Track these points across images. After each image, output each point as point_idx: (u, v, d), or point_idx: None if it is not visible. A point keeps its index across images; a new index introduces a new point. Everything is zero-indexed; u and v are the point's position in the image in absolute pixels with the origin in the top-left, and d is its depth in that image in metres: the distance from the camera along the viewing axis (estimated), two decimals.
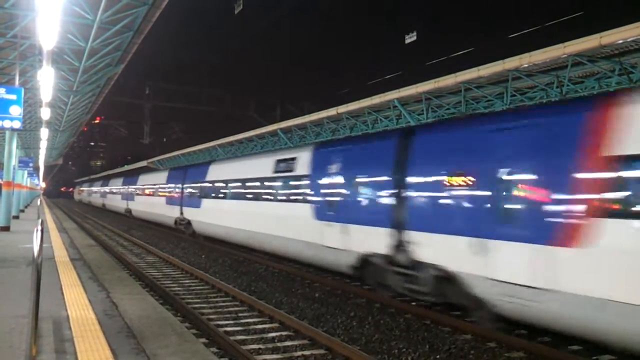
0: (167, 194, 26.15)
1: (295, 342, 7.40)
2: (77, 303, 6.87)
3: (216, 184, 19.14)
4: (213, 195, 19.30)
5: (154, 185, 29.49)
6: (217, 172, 19.43)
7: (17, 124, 11.61)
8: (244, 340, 7.41)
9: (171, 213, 24.71)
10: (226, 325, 8.22)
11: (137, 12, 11.92)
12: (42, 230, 4.77)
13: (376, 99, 20.11)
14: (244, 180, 16.60)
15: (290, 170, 13.52)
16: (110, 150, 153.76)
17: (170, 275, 13.07)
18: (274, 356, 6.83)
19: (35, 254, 4.60)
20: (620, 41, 12.11)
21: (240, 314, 9.03)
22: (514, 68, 14.70)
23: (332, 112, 23.35)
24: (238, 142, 36.16)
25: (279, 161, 14.42)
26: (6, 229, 17.80)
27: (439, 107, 20.33)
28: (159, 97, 53.90)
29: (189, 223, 22.30)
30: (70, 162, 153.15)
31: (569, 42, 12.93)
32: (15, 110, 11.52)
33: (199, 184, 21.12)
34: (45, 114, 16.36)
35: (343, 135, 26.15)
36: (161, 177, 28.54)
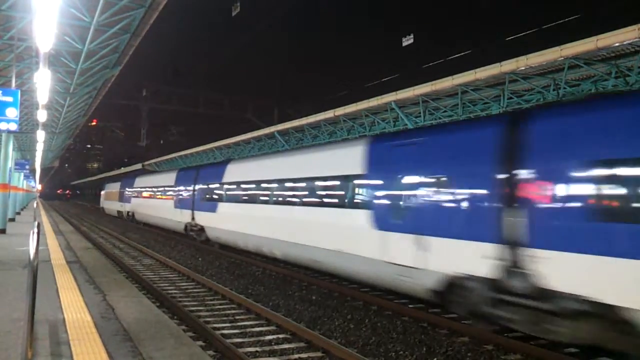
0: (175, 196, 23.46)
1: (292, 345, 7.38)
2: (73, 306, 6.85)
3: (236, 186, 16.65)
4: (233, 198, 16.87)
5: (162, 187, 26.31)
6: (238, 172, 16.93)
7: (13, 126, 11.58)
8: (241, 343, 7.39)
9: (180, 218, 22.31)
10: (223, 328, 8.20)
11: (134, 14, 11.92)
12: (38, 233, 4.75)
13: (373, 102, 20.16)
14: (273, 182, 14.22)
15: (338, 169, 11.34)
16: (107, 153, 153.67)
17: (167, 278, 13.03)
18: (271, 359, 6.81)
19: (32, 256, 4.58)
20: (617, 44, 12.17)
21: (237, 317, 9.01)
22: (510, 71, 14.75)
23: (329, 114, 23.39)
24: (235, 144, 36.17)
25: (322, 159, 12.30)
26: (2, 231, 17.74)
27: (436, 109, 20.37)
28: (156, 100, 53.97)
29: (201, 229, 19.98)
30: (66, 165, 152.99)
31: (566, 44, 12.99)
32: (12, 113, 11.49)
33: (214, 186, 18.66)
34: (42, 116, 16.32)
35: (340, 137, 26.16)
36: (169, 178, 25.55)
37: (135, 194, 32.83)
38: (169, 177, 25.48)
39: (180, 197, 22.62)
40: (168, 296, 10.14)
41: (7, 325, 5.70)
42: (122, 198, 37.39)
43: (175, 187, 23.69)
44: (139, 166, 55.79)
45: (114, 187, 42.40)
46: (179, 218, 22.46)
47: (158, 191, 27.02)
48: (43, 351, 4.88)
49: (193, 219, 20.72)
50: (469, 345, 7.61)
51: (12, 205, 24.81)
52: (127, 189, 35.71)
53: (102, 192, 49.96)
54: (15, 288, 7.84)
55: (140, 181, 32.47)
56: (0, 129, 11.54)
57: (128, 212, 35.47)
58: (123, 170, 66.29)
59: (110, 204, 43.94)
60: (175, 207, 23.16)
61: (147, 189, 29.91)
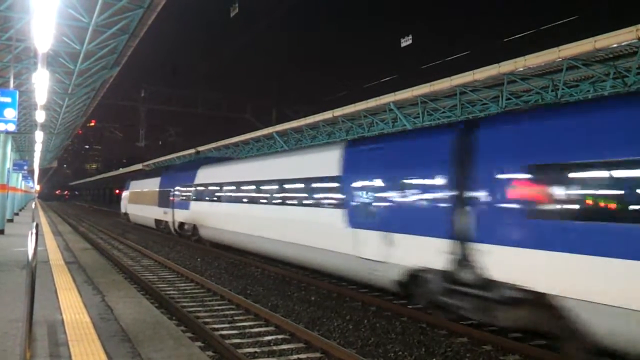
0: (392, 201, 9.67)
1: (291, 346, 7.38)
2: (72, 307, 6.84)
3: None
4: None
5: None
6: None
7: (11, 127, 11.56)
8: (240, 344, 7.39)
9: (391, 254, 9.22)
10: (222, 329, 8.19)
11: (132, 15, 11.91)
12: (36, 234, 4.74)
13: (372, 102, 20.18)
14: None
15: None
16: (106, 154, 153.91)
17: (165, 279, 13.02)
18: None
19: (30, 257, 4.57)
20: (615, 45, 12.21)
21: (235, 318, 9.00)
22: (509, 71, 14.78)
23: (328, 115, 23.41)
24: (234, 145, 36.17)
25: None
26: (0, 232, 17.71)
27: (435, 110, 20.38)
28: (154, 100, 53.72)
29: (537, 302, 6.76)
30: (65, 165, 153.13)
31: (564, 45, 13.02)
32: (10, 113, 11.47)
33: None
34: (40, 116, 16.32)
35: (339, 138, 26.15)
36: (319, 162, 12.00)
37: (200, 196, 19.96)
38: (320, 161, 12.03)
39: (398, 201, 9.29)
40: (167, 297, 10.14)
41: (5, 326, 5.69)
42: (165, 201, 24.42)
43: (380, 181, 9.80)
44: (139, 166, 55.62)
45: (147, 185, 28.65)
46: (382, 254, 9.42)
47: (277, 191, 13.86)
48: (42, 352, 4.87)
49: (467, 258, 7.68)
50: (468, 345, 7.61)
51: (10, 206, 24.77)
52: (177, 187, 22.82)
53: (125, 193, 35.17)
54: (14, 289, 7.82)
55: (210, 174, 19.37)
56: None
57: (181, 223, 22.43)
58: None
59: (140, 210, 29.80)
60: (355, 225, 10.25)
61: (237, 187, 16.63)
